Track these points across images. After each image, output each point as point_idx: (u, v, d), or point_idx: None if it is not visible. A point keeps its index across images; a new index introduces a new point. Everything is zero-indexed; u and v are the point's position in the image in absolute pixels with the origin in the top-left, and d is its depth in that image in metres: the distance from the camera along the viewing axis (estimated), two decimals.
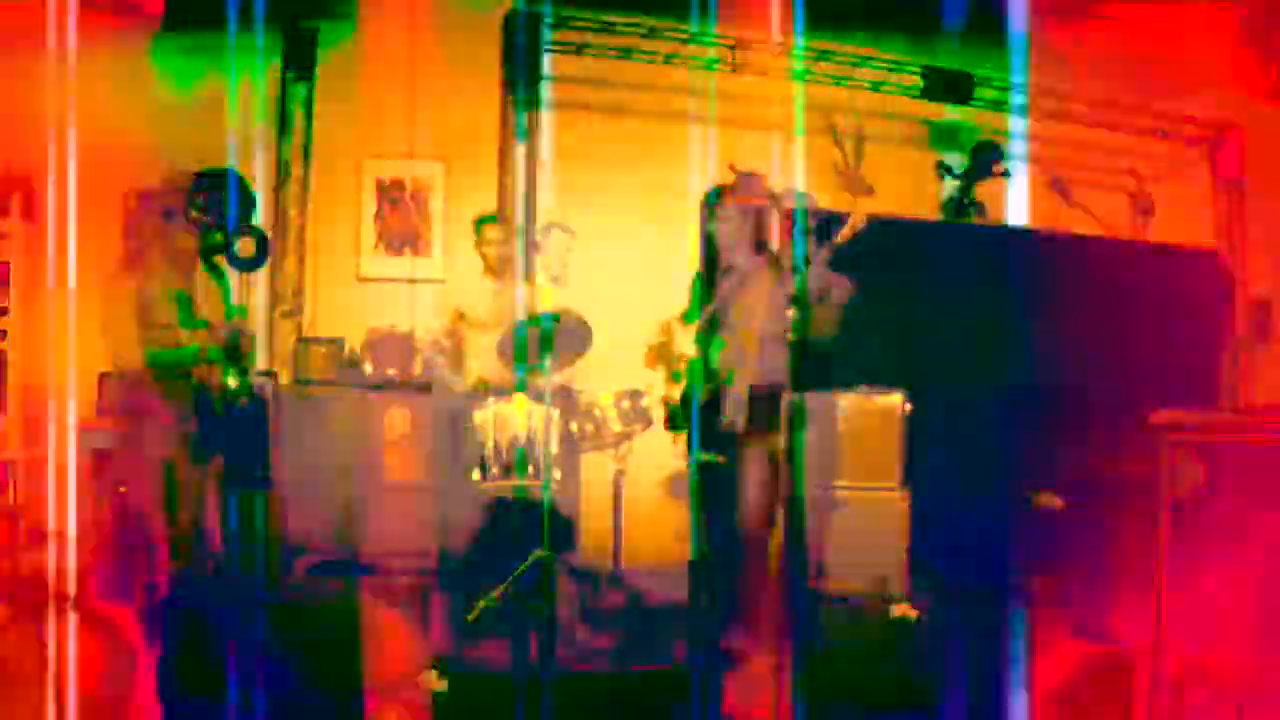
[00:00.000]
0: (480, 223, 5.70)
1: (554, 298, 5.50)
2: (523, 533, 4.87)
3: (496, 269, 5.58)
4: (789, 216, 4.19)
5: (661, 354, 4.39)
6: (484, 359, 5.40)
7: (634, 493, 5.54)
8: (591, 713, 3.81)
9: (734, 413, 4.18)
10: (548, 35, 6.43)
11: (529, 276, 6.26)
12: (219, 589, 3.88)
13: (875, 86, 6.96)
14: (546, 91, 6.56)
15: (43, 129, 5.84)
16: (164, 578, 3.63)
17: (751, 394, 4.09)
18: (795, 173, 6.61)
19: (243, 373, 3.81)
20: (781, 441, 4.04)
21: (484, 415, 4.96)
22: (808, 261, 4.13)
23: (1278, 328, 7.66)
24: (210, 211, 3.74)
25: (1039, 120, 7.39)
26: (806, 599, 5.06)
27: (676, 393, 4.31)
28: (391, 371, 5.93)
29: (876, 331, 5.97)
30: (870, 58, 6.90)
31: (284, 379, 6.00)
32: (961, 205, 7.03)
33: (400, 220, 6.55)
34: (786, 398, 3.94)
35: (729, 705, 3.83)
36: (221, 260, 3.90)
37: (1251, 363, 7.66)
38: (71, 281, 6.11)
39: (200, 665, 3.78)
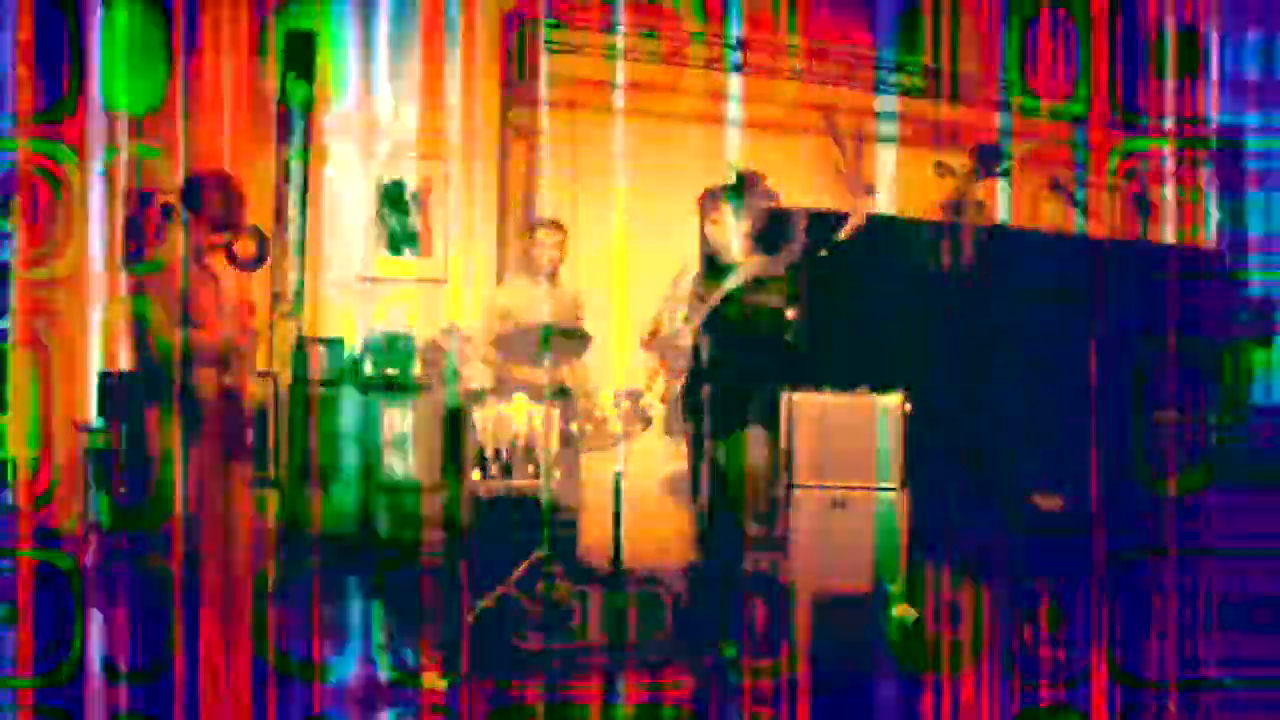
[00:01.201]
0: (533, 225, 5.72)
1: (553, 298, 5.50)
2: (523, 533, 4.87)
3: (546, 270, 5.56)
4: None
5: (661, 345, 4.35)
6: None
7: (634, 493, 5.54)
8: (592, 712, 3.80)
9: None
10: (548, 35, 6.42)
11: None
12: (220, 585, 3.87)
13: (875, 86, 6.95)
14: (546, 91, 6.56)
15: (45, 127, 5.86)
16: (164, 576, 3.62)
17: (736, 392, 4.09)
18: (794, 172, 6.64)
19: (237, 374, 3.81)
20: (760, 437, 4.05)
21: (484, 415, 4.96)
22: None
23: (1278, 328, 7.67)
24: (208, 212, 3.73)
25: (1038, 120, 7.39)
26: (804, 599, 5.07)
27: (677, 389, 4.30)
28: (391, 371, 5.93)
29: (877, 331, 5.98)
30: (870, 58, 6.90)
31: (284, 379, 5.99)
32: (961, 205, 7.03)
33: (400, 220, 6.55)
34: (783, 397, 3.94)
35: (728, 705, 3.83)
36: (221, 260, 3.90)
37: (1251, 362, 7.66)
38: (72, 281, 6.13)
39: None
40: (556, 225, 5.62)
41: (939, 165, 7.07)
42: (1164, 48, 7.08)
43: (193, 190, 3.77)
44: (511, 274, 6.25)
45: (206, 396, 3.67)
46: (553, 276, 5.56)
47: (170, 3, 5.90)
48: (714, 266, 4.30)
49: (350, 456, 5.78)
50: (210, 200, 3.74)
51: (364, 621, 4.76)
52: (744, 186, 4.35)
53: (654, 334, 4.26)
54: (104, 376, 5.69)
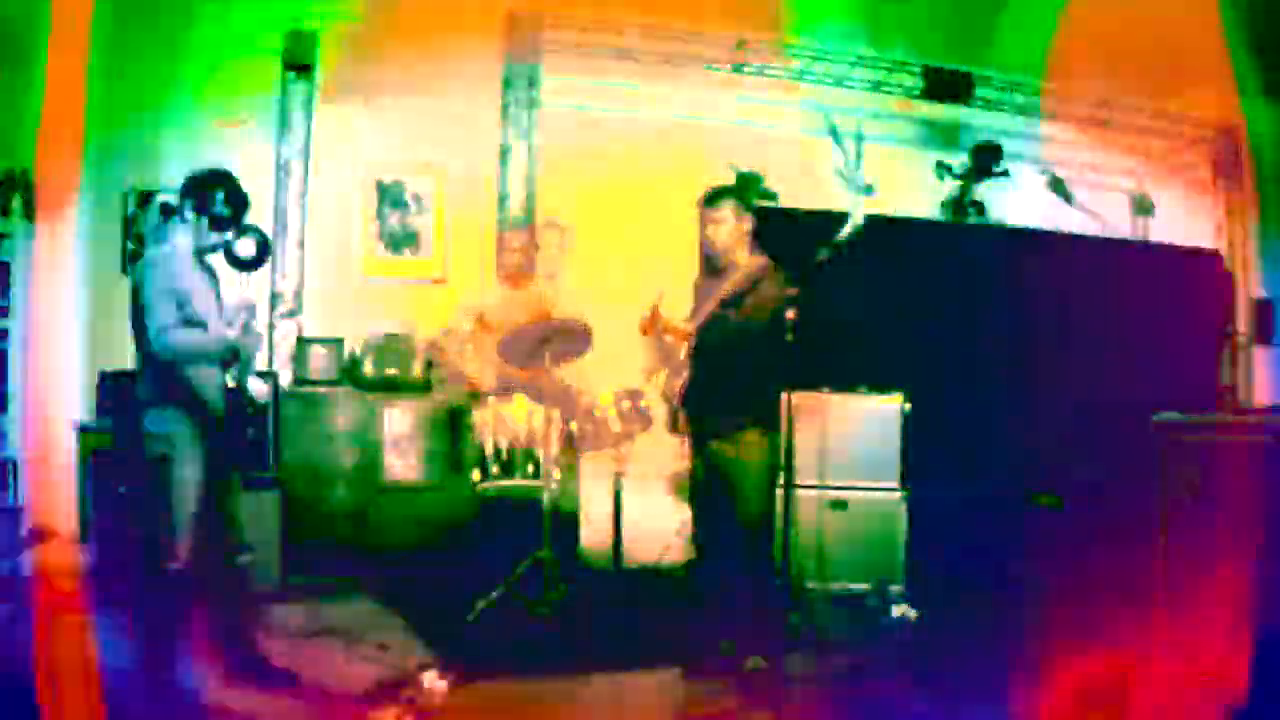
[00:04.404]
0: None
1: (553, 298, 5.50)
2: (523, 533, 4.87)
3: (514, 272, 5.53)
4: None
5: (654, 323, 4.32)
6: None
7: (634, 493, 5.54)
8: (591, 712, 3.80)
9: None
10: (547, 35, 6.42)
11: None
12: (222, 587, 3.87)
13: (875, 86, 6.95)
14: (546, 91, 6.55)
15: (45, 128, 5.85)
16: (165, 576, 3.61)
17: (736, 392, 4.09)
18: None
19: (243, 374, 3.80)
20: (763, 440, 4.05)
21: (484, 415, 4.95)
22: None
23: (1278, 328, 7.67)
24: (207, 211, 3.72)
25: (1039, 120, 7.38)
26: (804, 599, 5.08)
27: (677, 387, 4.28)
28: (391, 371, 5.93)
29: (876, 331, 5.98)
30: (870, 58, 6.89)
31: (284, 379, 6.00)
32: (961, 205, 7.03)
33: (400, 220, 6.55)
34: (785, 398, 3.94)
35: (729, 705, 3.83)
36: (221, 260, 3.89)
37: (1251, 363, 7.67)
38: (72, 281, 6.13)
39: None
40: (524, 227, 5.59)
41: (939, 165, 7.08)
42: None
43: (196, 189, 3.75)
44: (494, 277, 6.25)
45: (207, 397, 3.67)
46: (519, 279, 5.53)
47: None
48: (714, 267, 4.30)
49: (350, 456, 5.78)
50: (213, 199, 3.72)
51: (364, 622, 4.76)
52: (744, 186, 4.34)
53: (653, 318, 4.22)
54: (105, 377, 5.70)
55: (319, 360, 5.97)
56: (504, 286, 5.59)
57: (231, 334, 3.71)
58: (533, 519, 4.76)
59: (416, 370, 5.95)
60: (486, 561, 4.91)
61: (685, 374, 4.23)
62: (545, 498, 4.73)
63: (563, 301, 5.54)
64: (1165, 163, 7.76)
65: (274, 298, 6.27)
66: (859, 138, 6.74)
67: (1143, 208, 7.67)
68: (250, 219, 3.99)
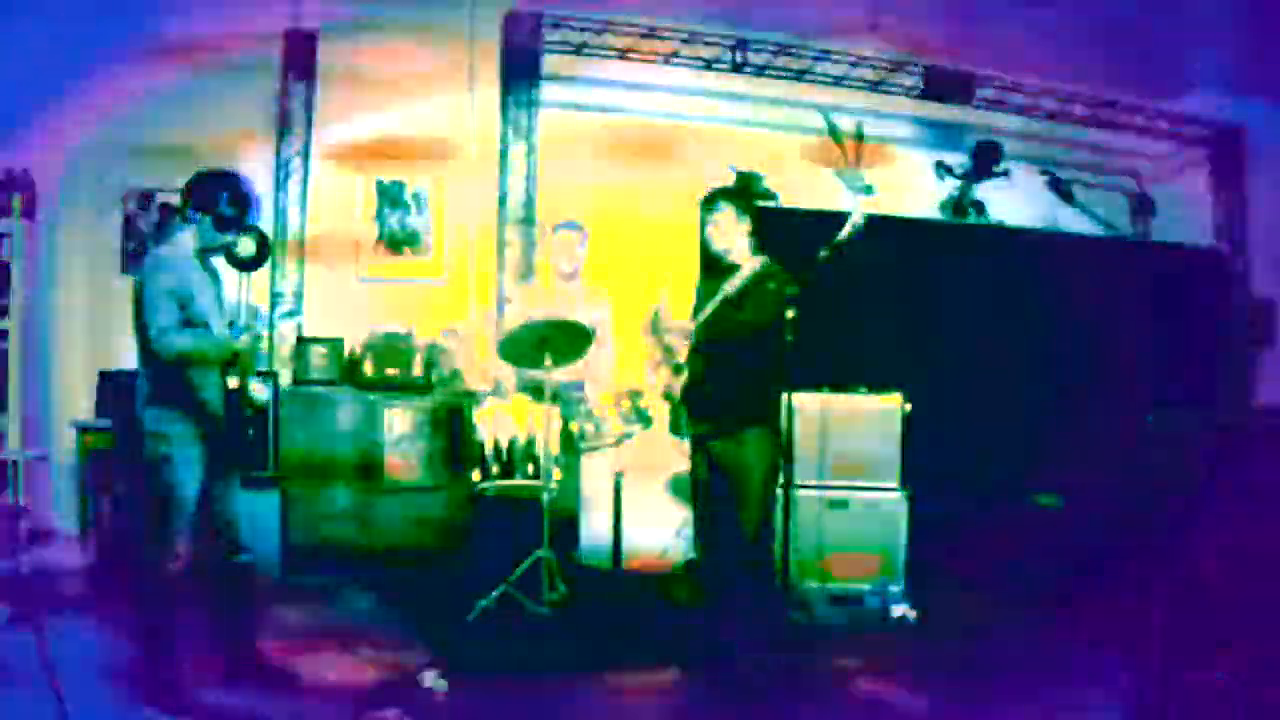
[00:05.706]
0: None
1: (555, 299, 5.49)
2: (523, 533, 4.87)
3: (566, 271, 5.47)
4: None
5: (655, 328, 4.31)
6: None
7: (634, 493, 5.54)
8: (591, 712, 3.80)
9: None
10: (548, 35, 6.42)
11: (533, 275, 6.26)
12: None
13: (875, 86, 6.95)
14: (546, 91, 6.55)
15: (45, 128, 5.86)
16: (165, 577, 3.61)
17: (736, 393, 4.09)
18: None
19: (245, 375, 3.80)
20: (763, 440, 4.05)
21: (484, 415, 4.95)
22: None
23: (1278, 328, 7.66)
24: (212, 211, 3.71)
25: (1039, 120, 7.39)
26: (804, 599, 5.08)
27: (678, 386, 4.27)
28: (391, 371, 5.93)
29: (876, 331, 5.98)
30: (870, 58, 6.89)
31: (284, 379, 5.99)
32: (961, 205, 7.03)
33: (400, 220, 6.55)
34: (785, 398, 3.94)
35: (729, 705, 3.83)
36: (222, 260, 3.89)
37: (1251, 363, 7.66)
38: (72, 282, 6.14)
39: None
40: (576, 226, 5.53)
41: (939, 165, 7.08)
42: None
43: (200, 189, 3.73)
44: (532, 276, 6.23)
45: (208, 397, 3.66)
46: (573, 277, 5.50)
47: None
48: (714, 267, 4.30)
49: (350, 457, 5.78)
50: (218, 199, 3.71)
51: (364, 622, 4.76)
52: (744, 186, 4.34)
53: (655, 322, 4.23)
54: (104, 376, 5.70)
55: (319, 360, 5.97)
56: (554, 284, 5.51)
57: (236, 341, 3.70)
58: (533, 519, 4.76)
59: (416, 370, 5.95)
60: (486, 561, 4.91)
61: (686, 374, 4.23)
62: (545, 498, 4.73)
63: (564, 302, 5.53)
64: (1165, 163, 7.76)
65: (274, 298, 6.27)
66: (859, 138, 6.74)
67: (1143, 208, 7.67)
68: (250, 219, 3.98)
